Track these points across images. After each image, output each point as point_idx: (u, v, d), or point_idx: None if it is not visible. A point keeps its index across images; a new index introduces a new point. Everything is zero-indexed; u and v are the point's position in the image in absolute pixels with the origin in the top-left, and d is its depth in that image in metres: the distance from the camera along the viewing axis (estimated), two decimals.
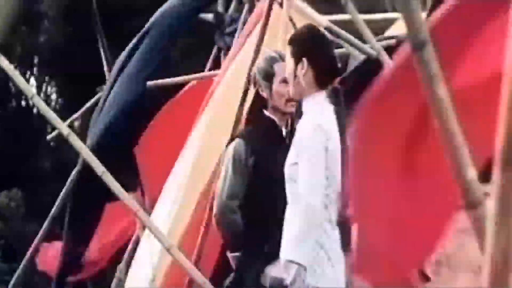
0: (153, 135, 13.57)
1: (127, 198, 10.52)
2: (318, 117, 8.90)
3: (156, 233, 10.02)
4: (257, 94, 9.55)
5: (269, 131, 9.35)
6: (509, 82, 3.89)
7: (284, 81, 9.08)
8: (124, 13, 28.07)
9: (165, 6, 13.98)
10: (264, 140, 9.34)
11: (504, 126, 3.80)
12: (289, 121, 9.34)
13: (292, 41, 9.30)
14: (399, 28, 13.54)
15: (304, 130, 8.88)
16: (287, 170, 8.84)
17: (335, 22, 12.18)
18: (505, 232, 3.72)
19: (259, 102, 9.48)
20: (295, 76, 9.01)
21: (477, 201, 4.09)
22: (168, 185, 12.30)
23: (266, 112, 9.29)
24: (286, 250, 8.85)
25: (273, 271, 9.00)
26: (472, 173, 4.24)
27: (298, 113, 9.18)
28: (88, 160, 10.47)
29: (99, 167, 10.10)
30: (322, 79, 8.96)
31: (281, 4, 11.48)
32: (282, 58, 9.46)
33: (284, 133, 9.27)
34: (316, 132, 8.72)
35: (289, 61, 9.13)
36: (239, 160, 9.34)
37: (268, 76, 9.25)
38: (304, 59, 8.96)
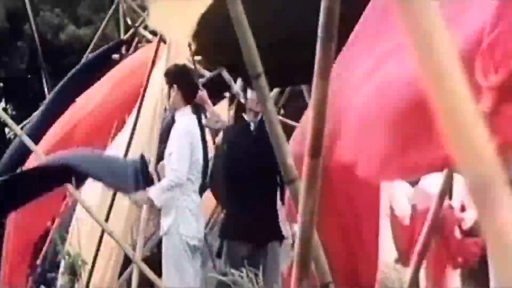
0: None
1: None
2: (185, 123, 10.82)
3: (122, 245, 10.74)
4: (238, 102, 10.69)
5: (241, 126, 10.56)
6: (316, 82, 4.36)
7: None
8: (64, 51, 27.63)
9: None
10: (236, 132, 10.64)
11: (313, 123, 4.43)
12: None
13: (166, 74, 11.40)
14: None
15: (176, 132, 10.85)
16: (166, 156, 10.90)
17: None
18: (311, 199, 4.55)
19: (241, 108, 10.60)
20: (169, 96, 11.08)
21: (294, 179, 4.89)
22: None
23: (244, 115, 10.35)
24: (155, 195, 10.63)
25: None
26: (291, 160, 5.07)
27: (173, 120, 11.13)
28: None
29: None
30: (187, 98, 10.73)
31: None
32: None
33: (252, 127, 10.23)
34: (184, 134, 10.67)
35: (165, 86, 11.30)
36: (217, 146, 11.06)
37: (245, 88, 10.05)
38: (175, 86, 10.97)
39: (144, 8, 14.63)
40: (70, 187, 11.17)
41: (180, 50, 12.01)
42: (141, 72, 12.86)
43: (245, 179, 10.20)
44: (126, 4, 15.71)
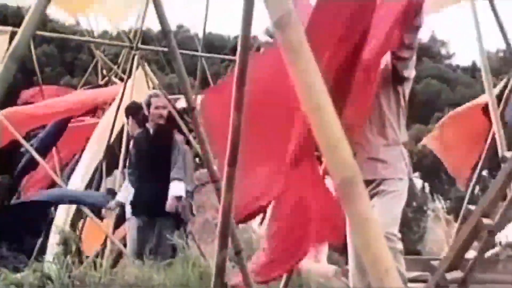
0: None
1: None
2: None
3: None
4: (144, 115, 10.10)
5: (144, 132, 10.03)
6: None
7: (157, 107, 9.81)
8: None
9: None
10: (140, 137, 10.09)
11: (231, 133, 4.38)
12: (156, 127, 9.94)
13: (126, 109, 10.98)
14: None
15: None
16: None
17: None
18: (229, 193, 4.55)
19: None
20: (128, 123, 10.88)
21: (218, 180, 4.86)
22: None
23: (147, 124, 9.97)
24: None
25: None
26: (215, 167, 5.08)
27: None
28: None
29: None
30: (139, 124, 10.19)
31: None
32: (157, 95, 10.14)
33: (151, 132, 9.90)
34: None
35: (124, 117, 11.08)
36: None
37: (148, 104, 9.85)
38: (130, 117, 10.67)
39: (114, 63, 14.55)
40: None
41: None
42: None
43: (144, 169, 9.93)
44: (102, 60, 15.55)
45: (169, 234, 8.92)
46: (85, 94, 14.19)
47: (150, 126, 9.95)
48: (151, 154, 9.88)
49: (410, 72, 6.71)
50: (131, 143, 10.35)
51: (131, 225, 9.69)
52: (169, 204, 9.43)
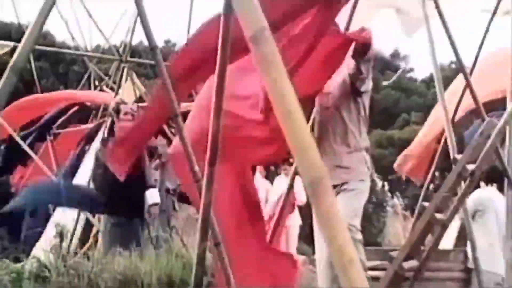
0: None
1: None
2: None
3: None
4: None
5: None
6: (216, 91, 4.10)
7: (126, 113, 9.36)
8: None
9: None
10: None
11: (211, 134, 4.37)
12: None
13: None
14: None
15: None
16: None
17: None
18: (209, 192, 4.51)
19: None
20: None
21: (199, 179, 4.83)
22: None
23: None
24: None
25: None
26: (197, 167, 5.04)
27: None
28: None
29: None
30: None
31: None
32: (124, 102, 9.76)
33: None
34: None
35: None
36: None
37: (117, 111, 9.47)
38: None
39: (106, 74, 14.51)
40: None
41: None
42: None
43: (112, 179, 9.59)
44: (95, 72, 15.51)
45: (137, 234, 8.82)
46: (79, 92, 14.25)
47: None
48: None
49: (367, 87, 6.89)
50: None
51: (107, 224, 9.46)
52: (153, 213, 9.20)
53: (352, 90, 6.79)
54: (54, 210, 10.74)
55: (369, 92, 6.98)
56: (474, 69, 8.99)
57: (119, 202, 9.25)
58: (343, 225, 2.17)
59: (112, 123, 9.85)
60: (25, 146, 10.89)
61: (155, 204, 9.27)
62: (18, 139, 10.76)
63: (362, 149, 6.86)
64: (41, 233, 10.02)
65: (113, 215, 9.37)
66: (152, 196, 9.27)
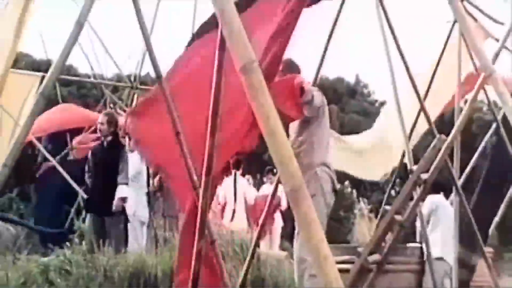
0: None
1: None
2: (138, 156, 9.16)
3: None
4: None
5: (99, 144, 9.51)
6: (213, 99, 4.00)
7: (101, 123, 9.12)
8: None
9: None
10: (96, 147, 9.54)
11: (207, 148, 4.32)
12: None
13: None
14: None
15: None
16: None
17: None
18: (206, 198, 4.47)
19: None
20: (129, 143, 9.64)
21: (196, 187, 4.76)
22: None
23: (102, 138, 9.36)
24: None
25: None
26: (195, 176, 4.99)
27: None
28: None
29: None
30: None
31: None
32: (106, 114, 9.49)
33: (105, 145, 9.25)
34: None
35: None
36: None
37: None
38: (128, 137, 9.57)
39: (119, 99, 14.43)
40: None
41: None
42: None
43: (97, 175, 9.18)
44: (110, 97, 15.42)
45: (116, 230, 8.57)
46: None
47: (104, 139, 9.34)
48: (103, 162, 9.22)
49: (313, 112, 6.39)
50: (89, 152, 9.67)
51: (87, 221, 8.99)
52: (116, 205, 8.91)
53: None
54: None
55: (320, 117, 6.47)
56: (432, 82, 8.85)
57: (96, 201, 8.98)
58: (319, 226, 2.15)
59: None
60: (43, 150, 10.71)
61: (122, 199, 9.00)
62: (36, 142, 10.54)
63: (315, 165, 6.31)
64: (62, 233, 9.87)
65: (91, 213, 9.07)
66: (121, 190, 9.01)
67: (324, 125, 6.45)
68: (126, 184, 9.11)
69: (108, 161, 9.19)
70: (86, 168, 9.46)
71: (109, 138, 9.21)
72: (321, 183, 6.21)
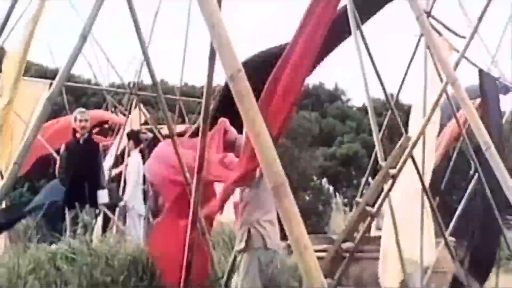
0: None
1: None
2: (135, 157, 9.89)
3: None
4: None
5: (75, 141, 8.86)
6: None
7: (80, 120, 8.64)
8: None
9: None
10: (72, 144, 8.86)
11: (199, 148, 4.35)
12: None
13: (126, 134, 10.51)
14: None
15: (131, 161, 10.00)
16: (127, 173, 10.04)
17: None
18: (198, 192, 4.51)
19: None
20: (128, 144, 10.24)
21: (189, 183, 4.81)
22: None
23: (77, 134, 8.79)
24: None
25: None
26: (187, 173, 5.01)
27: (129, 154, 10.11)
28: None
29: None
30: (136, 145, 9.93)
31: None
32: (82, 112, 8.87)
33: (81, 142, 8.76)
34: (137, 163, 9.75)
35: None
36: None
37: (75, 118, 8.75)
38: (129, 139, 10.23)
39: (119, 103, 14.36)
40: None
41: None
42: None
43: (75, 171, 8.59)
44: (111, 102, 15.32)
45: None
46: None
47: (79, 136, 8.79)
48: (80, 158, 8.71)
49: None
50: (62, 149, 9.05)
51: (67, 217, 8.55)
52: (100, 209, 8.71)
53: None
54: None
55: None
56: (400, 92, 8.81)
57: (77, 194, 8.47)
58: (299, 220, 2.15)
59: (73, 130, 8.92)
60: (53, 153, 10.58)
61: (104, 204, 8.85)
62: (54, 153, 10.41)
63: (250, 222, 5.49)
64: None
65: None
66: (102, 197, 8.68)
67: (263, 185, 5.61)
68: (103, 188, 8.79)
69: (86, 156, 8.77)
70: (59, 163, 9.02)
71: (86, 135, 8.84)
72: (253, 240, 5.54)
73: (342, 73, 41.35)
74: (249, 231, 5.25)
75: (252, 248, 5.25)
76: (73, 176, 8.65)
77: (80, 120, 8.72)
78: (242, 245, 5.25)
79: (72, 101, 18.22)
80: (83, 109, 9.30)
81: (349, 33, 6.15)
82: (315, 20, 4.46)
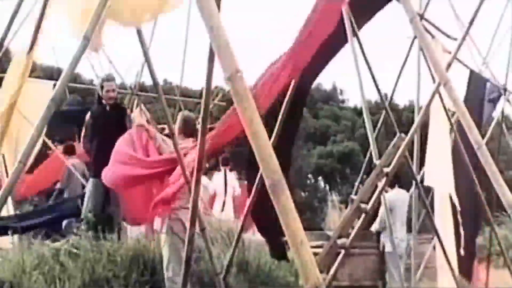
0: None
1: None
2: None
3: None
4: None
5: (100, 108, 8.23)
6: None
7: (107, 91, 8.00)
8: None
9: None
10: (99, 111, 8.25)
11: (199, 148, 4.31)
12: None
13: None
14: None
15: None
16: None
17: None
18: (196, 190, 4.51)
19: None
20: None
21: (189, 181, 4.81)
22: None
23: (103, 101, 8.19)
24: None
25: None
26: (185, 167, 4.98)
27: None
28: None
29: None
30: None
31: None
32: (109, 80, 8.20)
33: (108, 108, 8.15)
34: None
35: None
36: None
37: (101, 87, 8.09)
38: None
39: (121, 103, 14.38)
40: None
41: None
42: None
43: (102, 137, 7.74)
44: None
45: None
46: None
47: (105, 103, 8.11)
48: (107, 124, 7.95)
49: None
50: (87, 117, 8.27)
51: (90, 185, 7.97)
52: None
53: None
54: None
55: None
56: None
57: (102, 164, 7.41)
58: (295, 215, 2.15)
59: (98, 97, 8.30)
60: (53, 146, 10.51)
61: None
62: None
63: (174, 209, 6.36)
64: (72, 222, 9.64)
65: None
66: None
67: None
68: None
69: (113, 123, 7.97)
70: (84, 133, 8.34)
71: (112, 101, 8.20)
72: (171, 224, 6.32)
73: (339, 75, 41.27)
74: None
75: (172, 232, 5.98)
76: (99, 143, 7.96)
77: (107, 91, 8.06)
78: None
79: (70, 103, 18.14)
80: (110, 76, 8.62)
81: (347, 40, 6.20)
82: (312, 28, 4.65)
